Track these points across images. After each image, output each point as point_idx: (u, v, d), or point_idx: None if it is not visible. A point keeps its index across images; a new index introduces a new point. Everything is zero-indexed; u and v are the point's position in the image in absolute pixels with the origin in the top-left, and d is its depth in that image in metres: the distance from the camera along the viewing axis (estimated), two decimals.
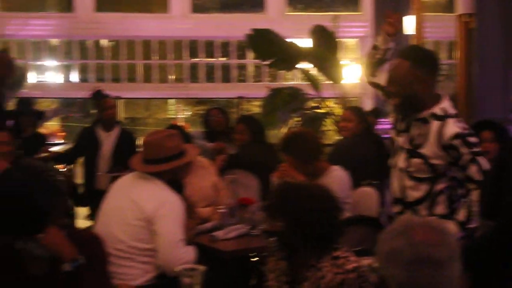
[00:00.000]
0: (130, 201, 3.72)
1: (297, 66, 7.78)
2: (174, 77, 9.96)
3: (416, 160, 3.48)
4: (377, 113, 7.80)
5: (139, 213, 3.67)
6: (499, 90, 6.76)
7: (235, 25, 9.13)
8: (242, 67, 10.01)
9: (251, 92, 9.81)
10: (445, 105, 3.50)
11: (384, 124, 6.95)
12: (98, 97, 6.36)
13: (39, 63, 9.63)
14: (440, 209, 3.49)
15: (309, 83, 7.86)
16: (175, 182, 3.86)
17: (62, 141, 7.95)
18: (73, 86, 9.69)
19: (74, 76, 9.76)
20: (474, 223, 3.39)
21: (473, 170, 3.38)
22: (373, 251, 2.00)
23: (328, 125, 7.86)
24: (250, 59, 9.62)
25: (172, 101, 14.47)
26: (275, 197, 2.80)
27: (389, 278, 1.94)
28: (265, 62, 7.72)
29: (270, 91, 7.98)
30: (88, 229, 4.86)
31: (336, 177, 4.43)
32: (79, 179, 6.89)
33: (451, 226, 3.36)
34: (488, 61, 6.77)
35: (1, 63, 6.32)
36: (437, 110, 3.47)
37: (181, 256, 3.62)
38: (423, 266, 1.89)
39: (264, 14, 9.64)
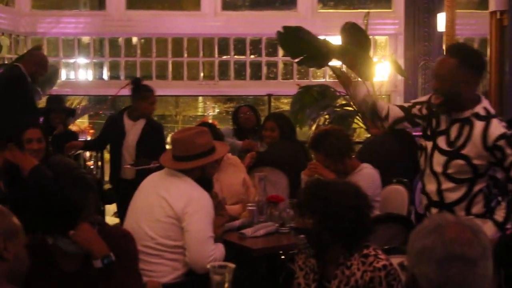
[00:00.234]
0: (159, 198, 3.73)
1: (328, 63, 7.74)
2: (204, 74, 9.98)
3: (458, 162, 3.43)
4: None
5: (169, 210, 3.67)
6: None
7: (266, 23, 9.11)
8: (272, 65, 10.00)
9: (280, 90, 9.79)
10: (485, 105, 3.47)
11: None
12: (140, 87, 6.26)
13: (70, 60, 9.70)
14: (478, 208, 3.46)
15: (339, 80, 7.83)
16: (205, 179, 3.86)
17: (92, 138, 8.00)
18: (104, 83, 9.75)
19: (105, 74, 9.83)
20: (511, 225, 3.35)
21: None
22: (403, 249, 1.99)
23: (358, 123, 7.81)
24: (280, 57, 9.60)
25: (201, 98, 14.51)
26: (305, 195, 2.79)
27: (420, 276, 1.92)
28: (295, 60, 7.70)
29: (300, 88, 7.97)
30: (118, 226, 4.90)
31: (366, 175, 4.41)
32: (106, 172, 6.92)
33: (489, 226, 3.33)
34: None
35: (34, 61, 6.41)
36: (479, 110, 3.43)
37: (210, 253, 3.62)
38: (455, 264, 1.87)
39: (295, 11, 9.61)
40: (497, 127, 3.38)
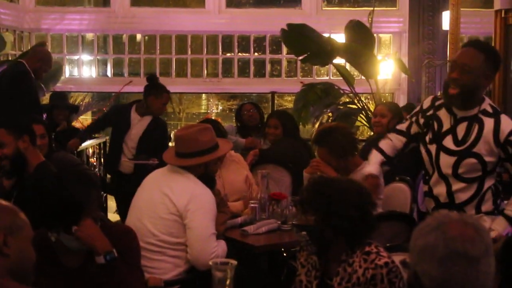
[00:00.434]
0: (162, 194, 3.73)
1: (332, 61, 7.73)
2: (207, 71, 9.98)
3: (470, 160, 3.42)
4: (411, 109, 7.72)
5: (171, 206, 3.67)
6: None
7: (270, 20, 9.11)
8: (276, 62, 9.99)
9: (284, 87, 9.79)
10: (490, 102, 3.48)
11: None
12: (155, 85, 6.19)
13: (74, 57, 9.70)
14: (487, 206, 3.46)
15: (342, 78, 7.82)
16: (207, 176, 3.86)
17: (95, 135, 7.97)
18: (107, 80, 9.75)
19: (109, 71, 9.83)
20: None
21: None
22: (405, 247, 1.98)
23: (362, 121, 7.81)
24: (284, 54, 9.60)
25: (205, 95, 14.52)
26: (308, 192, 2.78)
27: (423, 274, 1.92)
28: (299, 57, 7.69)
29: (304, 86, 7.96)
30: (121, 222, 4.90)
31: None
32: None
33: (500, 221, 3.34)
34: None
35: (38, 57, 6.41)
36: (486, 107, 3.43)
37: (212, 250, 3.62)
38: (457, 261, 1.87)
39: (300, 9, 9.59)
40: (508, 123, 3.39)
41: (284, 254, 4.45)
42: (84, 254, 2.80)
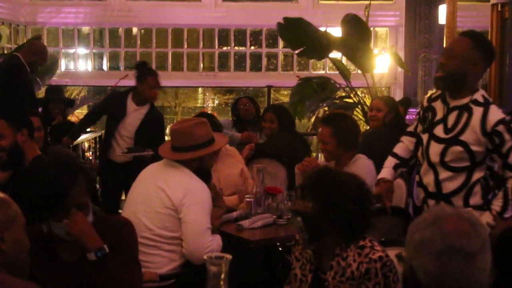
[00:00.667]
0: (157, 188, 3.72)
1: (328, 55, 7.72)
2: (204, 65, 9.96)
3: (456, 148, 3.43)
4: (407, 103, 7.73)
5: (167, 201, 3.67)
6: None
7: (267, 14, 9.11)
8: (272, 56, 9.98)
9: (280, 81, 9.78)
10: (483, 93, 3.48)
11: (414, 114, 6.89)
12: (144, 70, 6.15)
13: (70, 50, 9.68)
14: (476, 200, 3.46)
15: (338, 72, 7.82)
16: (203, 170, 3.85)
17: (91, 128, 7.95)
18: (103, 74, 9.73)
19: (104, 64, 9.81)
20: (510, 213, 3.35)
21: None
22: (401, 241, 1.98)
23: (358, 115, 7.81)
24: (281, 48, 9.59)
25: (201, 89, 14.50)
26: (310, 178, 2.78)
27: (419, 268, 1.92)
28: (295, 51, 7.68)
29: (300, 80, 7.95)
30: (118, 214, 4.87)
31: (362, 165, 4.40)
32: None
33: (487, 216, 3.34)
34: None
35: (33, 51, 6.40)
36: (478, 97, 3.45)
37: (208, 244, 3.62)
38: (453, 256, 1.87)
39: (296, 2, 9.59)
40: (496, 113, 3.39)
41: (280, 249, 4.44)
42: (81, 248, 2.77)
